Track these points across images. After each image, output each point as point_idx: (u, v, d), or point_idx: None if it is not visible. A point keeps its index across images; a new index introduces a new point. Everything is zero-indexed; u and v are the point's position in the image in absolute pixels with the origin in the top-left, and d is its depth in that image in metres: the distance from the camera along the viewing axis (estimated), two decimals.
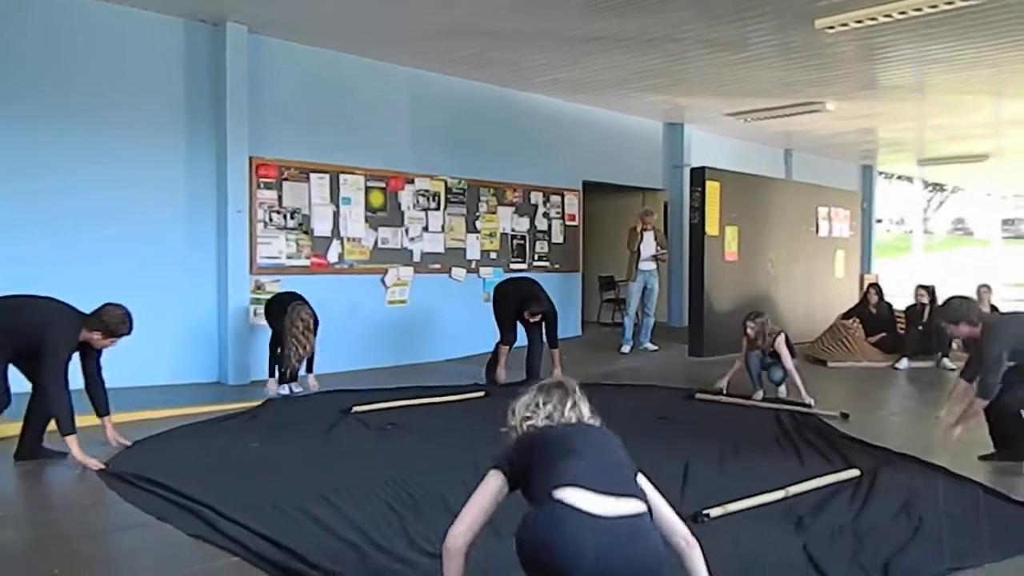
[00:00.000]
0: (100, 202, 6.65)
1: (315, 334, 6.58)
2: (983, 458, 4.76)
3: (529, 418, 2.47)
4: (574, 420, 2.45)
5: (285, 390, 6.72)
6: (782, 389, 7.03)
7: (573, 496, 2.08)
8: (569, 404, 2.47)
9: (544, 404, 2.47)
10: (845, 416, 6.11)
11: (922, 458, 4.77)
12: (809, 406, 6.40)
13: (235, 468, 4.60)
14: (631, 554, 2.06)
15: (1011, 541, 3.52)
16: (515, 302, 7.36)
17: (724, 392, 7.01)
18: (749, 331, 6.95)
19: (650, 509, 2.21)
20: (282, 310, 6.56)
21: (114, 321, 4.54)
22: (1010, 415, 4.66)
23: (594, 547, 2.02)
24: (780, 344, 6.82)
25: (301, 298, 6.69)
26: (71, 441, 4.37)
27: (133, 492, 4.04)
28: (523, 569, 2.14)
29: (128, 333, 4.62)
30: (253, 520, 3.56)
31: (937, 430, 4.94)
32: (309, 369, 6.79)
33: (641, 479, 2.35)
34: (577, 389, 2.54)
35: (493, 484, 2.33)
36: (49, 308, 4.52)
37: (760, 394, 6.90)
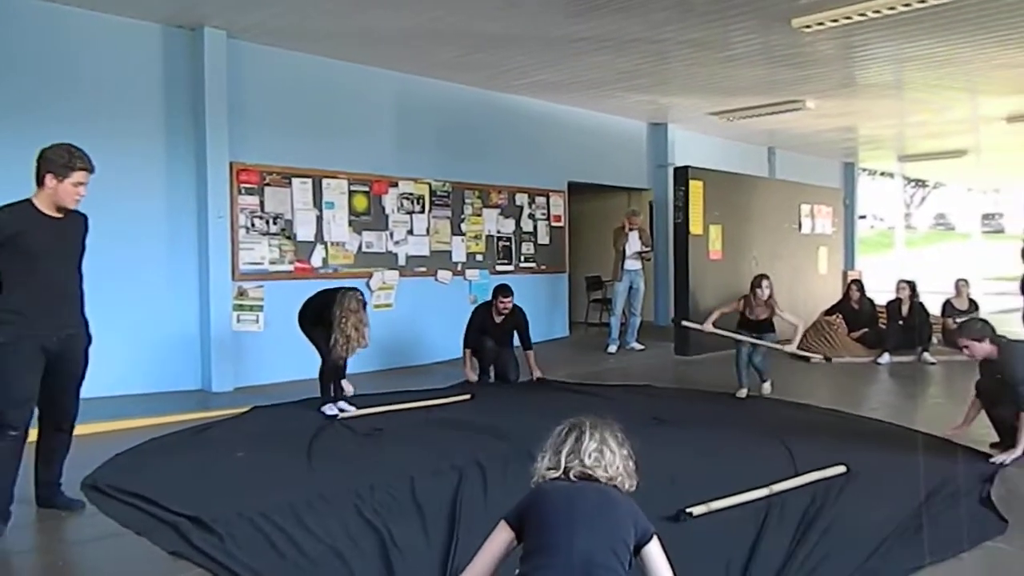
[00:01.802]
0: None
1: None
2: (994, 446, 5.08)
3: (550, 468, 2.43)
4: (587, 468, 2.38)
5: (333, 410, 6.18)
6: (766, 387, 7.09)
7: None
8: (583, 450, 2.41)
9: (555, 452, 2.44)
10: (828, 360, 6.27)
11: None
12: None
13: (219, 478, 4.57)
14: None
15: (981, 531, 3.62)
16: (481, 313, 7.56)
17: (709, 329, 7.24)
18: (763, 290, 7.04)
19: None
20: (321, 311, 6.18)
21: (60, 152, 3.70)
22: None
23: None
24: (779, 307, 7.06)
25: (344, 289, 6.27)
26: None
27: (111, 504, 4.01)
28: None
29: (88, 163, 3.75)
30: (231, 535, 3.54)
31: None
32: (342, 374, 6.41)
33: (650, 551, 2.32)
34: (592, 431, 2.44)
35: (501, 537, 2.37)
36: None
37: (744, 392, 6.95)
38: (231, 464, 4.90)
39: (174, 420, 5.95)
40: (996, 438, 5.14)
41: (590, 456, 2.39)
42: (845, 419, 6.14)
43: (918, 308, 9.26)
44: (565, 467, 2.39)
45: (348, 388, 6.43)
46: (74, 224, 3.85)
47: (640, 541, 2.32)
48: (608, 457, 2.41)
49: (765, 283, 7.09)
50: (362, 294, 6.31)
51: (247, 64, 7.46)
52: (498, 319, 7.49)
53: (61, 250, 3.76)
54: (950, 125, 12.07)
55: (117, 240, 6.74)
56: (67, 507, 3.94)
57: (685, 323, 7.09)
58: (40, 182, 3.68)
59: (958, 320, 9.62)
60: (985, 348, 5.01)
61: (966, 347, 5.06)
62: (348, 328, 6.05)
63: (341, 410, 6.26)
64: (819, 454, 4.80)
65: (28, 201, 3.70)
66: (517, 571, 2.27)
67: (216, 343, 7.19)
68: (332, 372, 6.26)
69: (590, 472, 2.38)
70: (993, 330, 5.10)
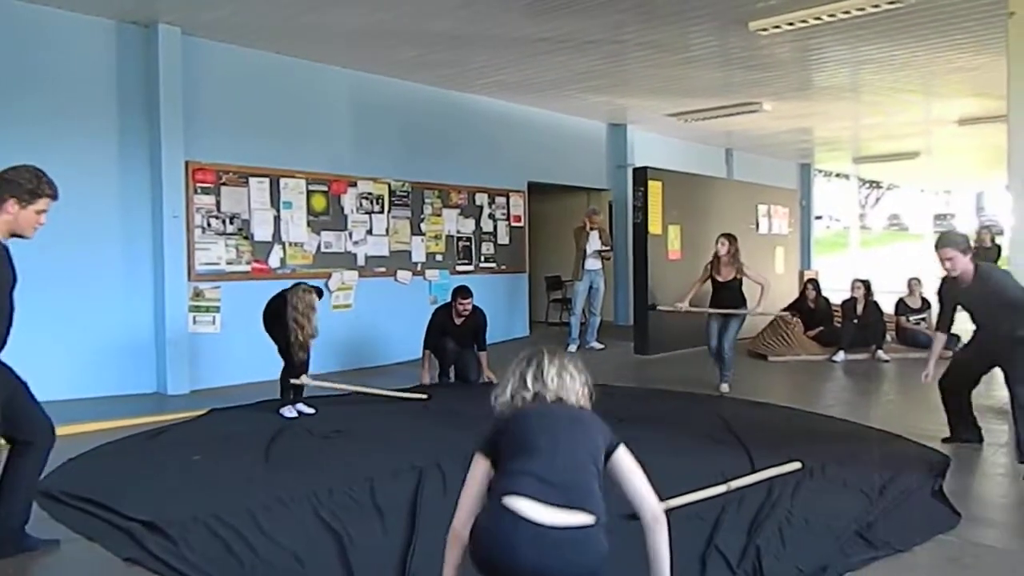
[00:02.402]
0: None
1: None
2: (945, 441, 5.20)
3: (508, 395, 2.53)
4: (551, 391, 2.49)
5: (292, 412, 6.15)
6: (724, 387, 7.17)
7: (519, 504, 2.17)
8: (544, 374, 2.52)
9: (520, 378, 2.53)
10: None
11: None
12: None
13: (175, 482, 4.49)
14: (569, 562, 2.15)
15: (933, 524, 3.71)
16: (441, 314, 7.54)
17: (685, 308, 7.42)
18: (720, 246, 7.22)
19: (601, 517, 2.24)
20: (279, 310, 6.17)
21: (24, 176, 3.29)
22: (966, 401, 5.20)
23: (532, 554, 2.12)
24: (747, 268, 7.24)
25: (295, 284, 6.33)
26: None
27: (63, 510, 3.91)
28: (475, 568, 2.23)
29: (55, 190, 3.39)
30: (186, 539, 3.49)
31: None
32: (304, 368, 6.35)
33: (618, 456, 2.42)
34: (551, 358, 2.56)
35: (480, 470, 2.42)
36: None
37: (726, 387, 7.15)
38: (187, 467, 4.81)
39: (129, 424, 5.83)
40: (947, 433, 5.24)
41: (553, 380, 2.50)
42: (801, 416, 6.24)
43: (872, 307, 9.44)
44: (533, 392, 2.49)
45: (306, 380, 6.28)
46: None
47: (609, 449, 2.41)
48: (569, 381, 2.52)
49: (722, 239, 7.27)
50: (314, 287, 6.30)
51: (203, 61, 7.35)
52: (459, 320, 7.47)
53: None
54: (904, 127, 12.34)
55: (69, 241, 6.60)
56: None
57: (660, 307, 7.23)
58: None
59: (911, 318, 9.85)
60: (967, 264, 4.79)
61: (950, 259, 4.78)
62: (299, 317, 6.08)
63: (300, 412, 6.19)
64: (776, 451, 4.86)
65: None
66: (490, 488, 2.32)
67: (172, 345, 7.06)
68: (295, 372, 6.20)
69: (556, 394, 2.48)
70: (972, 249, 4.93)
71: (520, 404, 2.49)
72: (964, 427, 5.24)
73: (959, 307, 4.98)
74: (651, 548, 2.38)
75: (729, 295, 7.24)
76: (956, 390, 5.22)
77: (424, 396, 6.86)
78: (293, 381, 6.19)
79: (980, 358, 5.07)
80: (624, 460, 2.43)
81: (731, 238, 7.29)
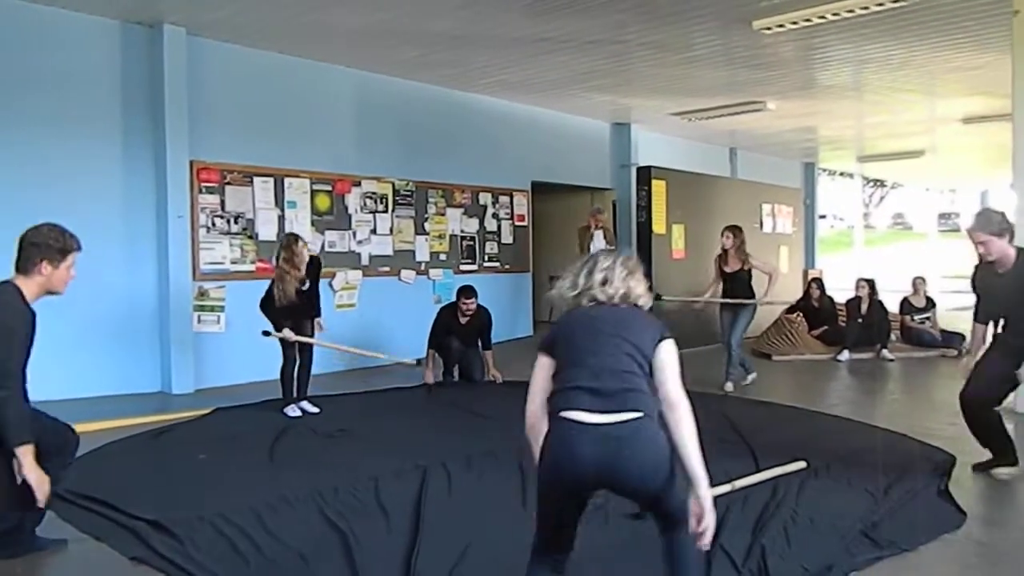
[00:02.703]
0: (34, 207, 6.36)
1: (311, 271, 6.16)
2: (980, 467, 4.53)
3: (574, 293, 2.66)
4: (607, 290, 2.61)
5: (296, 411, 6.12)
6: (729, 386, 7.17)
7: (574, 415, 2.38)
8: (601, 273, 2.64)
9: (582, 278, 2.66)
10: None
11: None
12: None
13: (180, 481, 4.51)
14: (629, 456, 2.34)
15: (939, 523, 3.71)
16: (446, 314, 7.55)
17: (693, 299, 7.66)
18: (725, 239, 7.29)
19: (651, 413, 2.41)
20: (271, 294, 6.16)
21: (51, 236, 3.39)
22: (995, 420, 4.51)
23: (592, 454, 2.32)
24: (753, 259, 7.28)
25: None
26: (26, 452, 3.19)
27: (70, 509, 3.91)
28: (544, 491, 2.44)
29: (79, 242, 3.52)
30: (192, 538, 3.50)
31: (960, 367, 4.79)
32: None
33: (660, 349, 2.50)
34: (609, 257, 2.70)
35: (543, 366, 2.60)
36: None
37: (731, 386, 7.19)
38: (192, 466, 4.83)
39: (134, 423, 5.85)
40: (978, 454, 4.59)
41: (610, 280, 2.62)
42: (806, 415, 6.23)
43: (877, 306, 9.43)
44: (583, 290, 2.62)
45: (288, 334, 6.13)
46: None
47: (657, 343, 2.51)
48: (625, 278, 2.64)
49: (727, 233, 7.32)
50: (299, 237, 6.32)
51: (207, 61, 7.36)
52: (463, 320, 7.47)
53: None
54: (908, 126, 12.31)
55: None
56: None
57: (665, 297, 7.36)
58: (29, 269, 3.33)
59: (916, 317, 9.84)
60: (1004, 249, 4.27)
61: (982, 243, 4.28)
62: (283, 264, 6.09)
63: (304, 411, 6.20)
64: (780, 450, 4.86)
65: (16, 289, 3.31)
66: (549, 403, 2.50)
67: (176, 344, 7.08)
68: (282, 311, 6.09)
69: (611, 293, 2.61)
70: (1013, 231, 4.37)
71: (578, 302, 2.63)
72: (1001, 446, 4.49)
73: (992, 298, 4.45)
74: (673, 435, 2.43)
75: (738, 286, 7.27)
76: (982, 404, 4.47)
77: (413, 362, 7.02)
78: (274, 334, 6.04)
79: (1008, 363, 4.41)
80: (661, 353, 2.51)
81: (735, 230, 7.34)
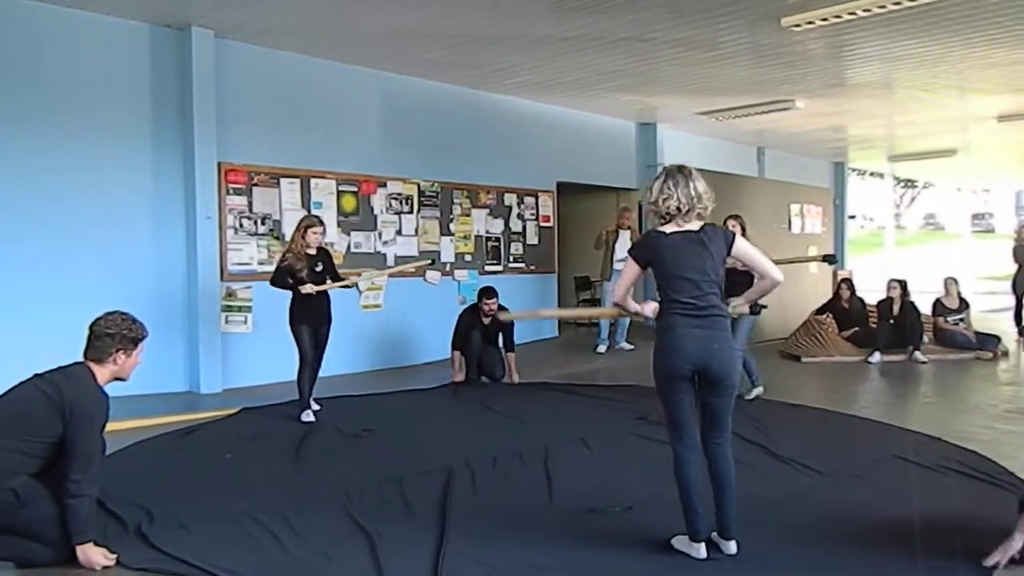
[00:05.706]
0: (65, 210, 6.54)
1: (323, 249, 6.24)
2: None
3: (665, 197, 3.35)
4: (691, 199, 3.35)
5: (310, 416, 6.03)
6: (756, 391, 7.00)
7: (681, 321, 3.26)
8: (685, 186, 3.37)
9: (672, 187, 3.36)
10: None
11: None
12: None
13: (207, 480, 4.53)
14: (715, 351, 3.24)
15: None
16: (469, 315, 7.53)
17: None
18: (737, 229, 6.84)
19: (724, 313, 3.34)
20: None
21: (125, 326, 3.47)
22: None
23: (695, 349, 3.23)
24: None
25: None
26: (86, 548, 3.26)
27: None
28: (662, 378, 3.29)
29: (147, 331, 3.60)
30: (217, 537, 3.52)
31: None
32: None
33: (736, 247, 3.39)
34: (692, 173, 3.42)
35: (632, 268, 3.43)
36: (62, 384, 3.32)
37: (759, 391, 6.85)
38: (219, 466, 4.86)
39: (162, 422, 5.91)
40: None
41: (691, 193, 3.35)
42: (835, 418, 6.13)
43: (909, 307, 9.28)
44: (675, 202, 3.33)
45: (310, 288, 6.00)
46: None
47: (729, 245, 3.35)
48: (700, 192, 3.39)
49: (731, 222, 6.78)
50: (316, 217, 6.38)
51: (235, 64, 7.41)
52: (486, 320, 7.46)
53: None
54: (940, 124, 12.09)
55: (104, 241, 6.71)
56: None
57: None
58: (104, 359, 3.40)
59: (949, 319, 9.67)
60: None
61: None
62: (296, 234, 6.14)
63: (318, 414, 6.15)
64: (806, 453, 4.78)
65: (92, 373, 3.38)
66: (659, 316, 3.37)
67: (205, 344, 7.13)
68: (283, 277, 6.04)
69: (691, 205, 3.33)
70: None
71: (666, 210, 3.34)
72: None
73: None
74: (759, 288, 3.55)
75: (742, 279, 6.92)
76: None
77: (429, 262, 7.71)
78: (303, 289, 5.96)
79: None
80: (741, 248, 3.40)
81: (739, 218, 6.92)
